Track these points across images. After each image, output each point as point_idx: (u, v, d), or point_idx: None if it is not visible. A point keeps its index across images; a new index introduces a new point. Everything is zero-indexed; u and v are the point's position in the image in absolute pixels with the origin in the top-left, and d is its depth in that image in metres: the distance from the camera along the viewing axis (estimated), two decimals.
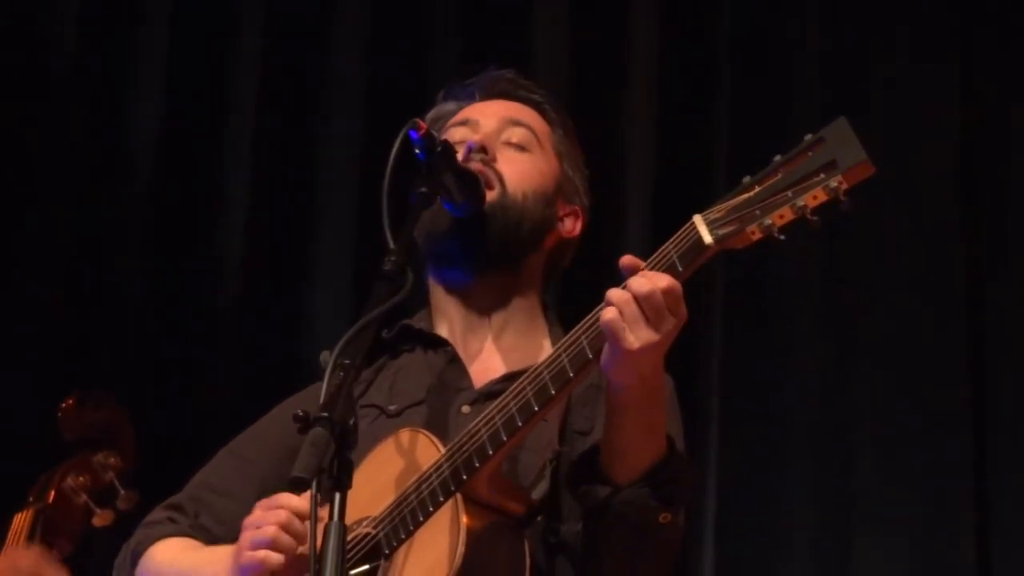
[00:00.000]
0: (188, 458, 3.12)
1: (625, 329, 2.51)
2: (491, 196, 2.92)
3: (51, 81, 5.25)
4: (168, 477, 3.09)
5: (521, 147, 3.00)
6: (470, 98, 3.09)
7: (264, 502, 2.68)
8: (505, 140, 3.00)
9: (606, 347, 2.55)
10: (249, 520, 2.65)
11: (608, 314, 2.53)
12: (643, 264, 2.56)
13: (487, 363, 2.96)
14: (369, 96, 5.11)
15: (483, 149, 2.95)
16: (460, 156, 2.88)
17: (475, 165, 2.92)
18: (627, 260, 2.58)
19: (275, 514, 2.62)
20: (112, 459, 4.05)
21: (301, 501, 2.58)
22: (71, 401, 4.08)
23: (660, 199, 4.71)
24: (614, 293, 2.53)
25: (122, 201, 5.19)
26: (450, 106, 3.11)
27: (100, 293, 5.14)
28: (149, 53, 5.28)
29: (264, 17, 5.27)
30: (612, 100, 4.87)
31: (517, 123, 3.02)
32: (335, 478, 2.37)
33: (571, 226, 3.07)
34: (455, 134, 3.01)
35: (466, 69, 3.19)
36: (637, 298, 2.51)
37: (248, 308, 5.09)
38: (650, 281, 2.51)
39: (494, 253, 2.94)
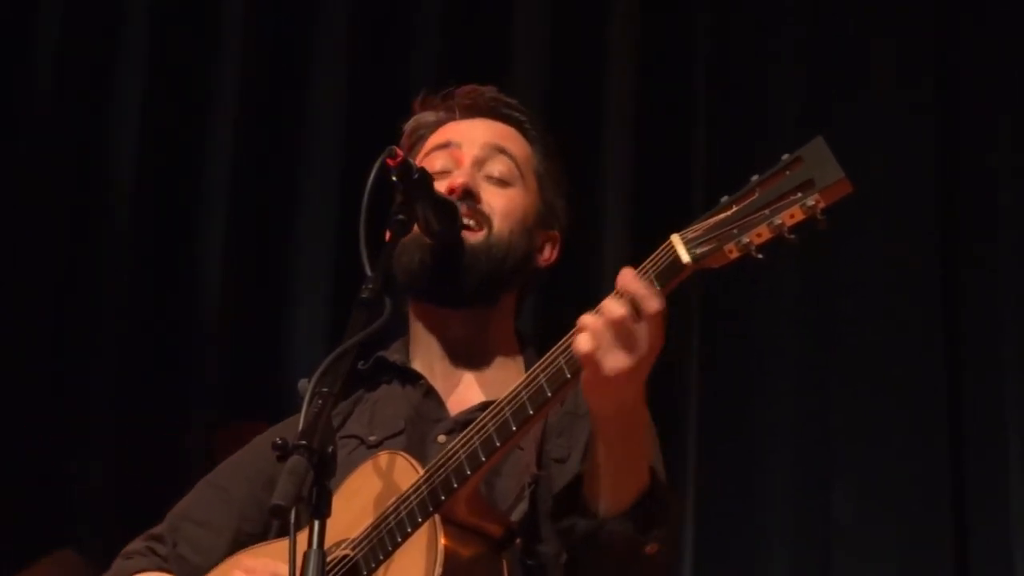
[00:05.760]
0: (165, 482, 3.11)
1: (597, 354, 2.46)
2: (478, 238, 2.91)
3: (31, 102, 5.26)
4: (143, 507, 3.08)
5: (503, 182, 2.98)
6: (449, 112, 3.06)
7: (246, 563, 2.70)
8: (487, 174, 2.97)
9: (584, 373, 2.50)
10: None
11: (580, 341, 2.48)
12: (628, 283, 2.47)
13: (463, 393, 2.96)
14: (351, 105, 5.12)
15: (469, 193, 2.93)
16: (444, 189, 2.88)
17: (463, 210, 2.90)
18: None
19: None
20: None
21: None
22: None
23: (639, 218, 4.72)
24: (586, 318, 2.49)
25: (102, 235, 5.20)
26: (429, 116, 3.08)
27: (78, 321, 5.16)
28: (127, 65, 5.29)
29: (244, 27, 5.27)
30: (591, 116, 4.87)
31: (500, 151, 2.99)
32: (314, 506, 2.35)
33: (548, 254, 3.06)
34: (436, 159, 2.99)
35: (446, 72, 3.16)
36: (611, 323, 2.46)
37: (227, 333, 5.08)
38: (624, 304, 2.45)
39: (475, 291, 2.92)
